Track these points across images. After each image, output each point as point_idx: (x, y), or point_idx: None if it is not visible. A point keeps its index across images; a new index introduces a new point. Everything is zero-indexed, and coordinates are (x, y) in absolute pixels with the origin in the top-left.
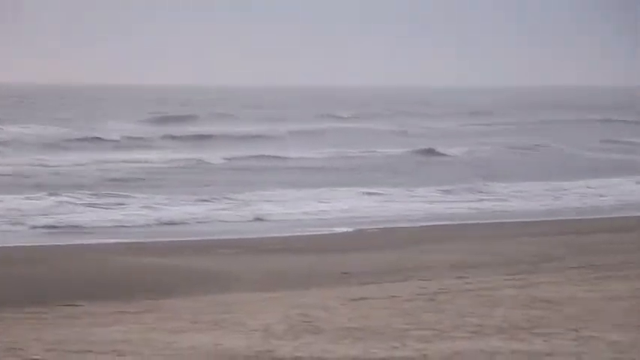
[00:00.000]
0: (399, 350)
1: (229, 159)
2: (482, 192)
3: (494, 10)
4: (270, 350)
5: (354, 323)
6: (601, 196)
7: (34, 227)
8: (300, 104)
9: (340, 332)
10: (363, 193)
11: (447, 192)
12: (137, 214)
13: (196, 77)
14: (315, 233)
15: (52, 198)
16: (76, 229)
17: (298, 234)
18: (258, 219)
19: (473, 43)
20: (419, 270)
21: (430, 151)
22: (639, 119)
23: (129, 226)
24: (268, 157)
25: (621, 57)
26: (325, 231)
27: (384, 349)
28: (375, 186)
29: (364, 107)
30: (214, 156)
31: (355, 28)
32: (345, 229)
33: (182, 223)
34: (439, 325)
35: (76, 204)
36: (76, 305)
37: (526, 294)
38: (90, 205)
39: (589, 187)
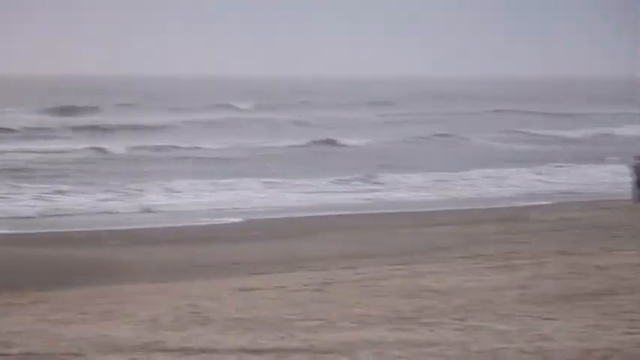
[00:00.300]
0: (286, 340)
1: (131, 149)
2: (377, 183)
3: None
4: (158, 341)
5: (243, 314)
6: (499, 186)
7: None
8: (200, 94)
9: (229, 323)
10: (259, 183)
11: (343, 182)
12: (28, 205)
13: (99, 67)
14: (205, 224)
15: None
16: None
17: (189, 224)
18: (151, 210)
19: (384, 31)
20: (308, 260)
21: (330, 142)
22: (551, 111)
23: (20, 217)
24: (169, 147)
25: (549, 44)
26: (216, 221)
27: (272, 339)
28: (271, 176)
29: (265, 97)
30: (116, 146)
31: (260, 16)
32: (235, 220)
33: (74, 214)
34: (326, 316)
35: None
36: None
37: (413, 284)
38: None
39: (486, 177)
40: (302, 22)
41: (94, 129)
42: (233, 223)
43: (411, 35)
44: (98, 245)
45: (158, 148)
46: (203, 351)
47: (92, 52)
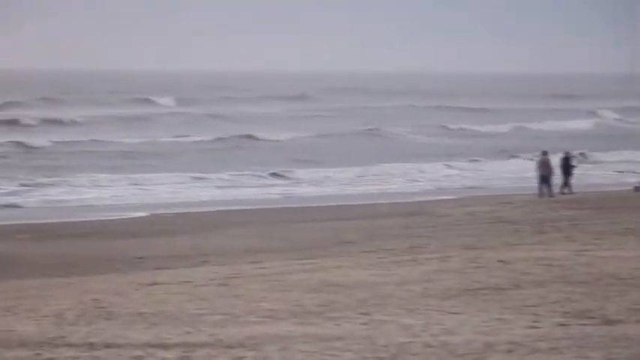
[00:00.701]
0: (193, 335)
1: (50, 143)
2: (290, 178)
3: None
4: (62, 336)
5: (148, 308)
6: (409, 180)
7: None
8: (120, 89)
9: (134, 317)
10: (172, 178)
11: (256, 177)
12: None
13: (20, 62)
14: (111, 218)
15: None
16: None
17: (95, 218)
18: (58, 204)
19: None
20: (213, 255)
21: (249, 137)
22: (475, 106)
23: None
24: (88, 142)
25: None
26: (122, 215)
27: (178, 334)
28: (186, 171)
29: (185, 92)
30: (36, 140)
31: (177, 12)
32: (141, 214)
33: None
34: (233, 310)
35: None
36: None
37: (319, 278)
38: None
39: (398, 172)
40: (218, 17)
41: (14, 123)
42: (139, 218)
43: (331, 31)
44: (3, 239)
45: (77, 143)
46: (108, 346)
47: (11, 46)
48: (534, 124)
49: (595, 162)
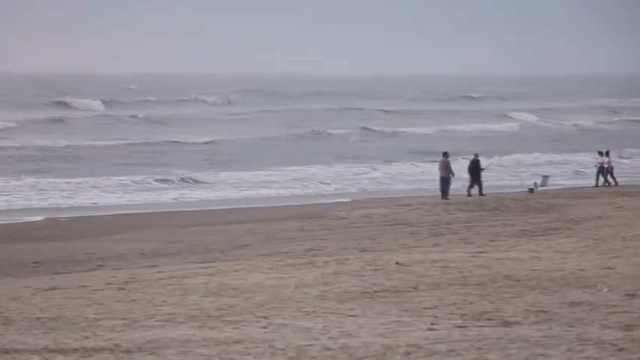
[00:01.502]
0: (91, 340)
1: None
2: (196, 181)
3: None
4: None
5: (46, 313)
6: (311, 183)
7: None
8: (39, 92)
9: (32, 323)
10: (73, 182)
11: (162, 181)
12: None
13: None
14: (5, 222)
15: None
16: None
17: None
18: None
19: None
20: (110, 259)
21: (168, 140)
22: (395, 109)
23: None
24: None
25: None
26: (16, 220)
27: (76, 339)
28: (92, 176)
29: (108, 94)
30: None
31: (98, 14)
32: (35, 218)
33: None
34: (131, 314)
35: None
36: None
37: (217, 282)
38: None
39: (299, 175)
40: (138, 19)
41: None
42: (34, 222)
43: (251, 34)
44: None
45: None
46: (6, 352)
47: None
48: (458, 126)
49: (501, 164)
